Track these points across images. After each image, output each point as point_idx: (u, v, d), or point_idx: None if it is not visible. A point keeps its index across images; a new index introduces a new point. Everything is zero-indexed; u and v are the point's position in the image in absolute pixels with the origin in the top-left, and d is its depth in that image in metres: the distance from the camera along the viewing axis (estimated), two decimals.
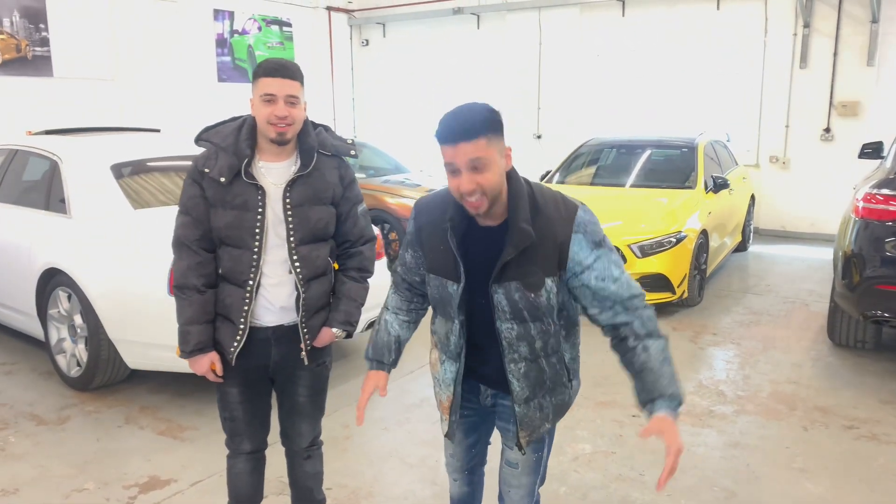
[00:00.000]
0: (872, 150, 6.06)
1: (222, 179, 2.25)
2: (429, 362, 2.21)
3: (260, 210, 2.28)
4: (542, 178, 7.71)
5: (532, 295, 1.85)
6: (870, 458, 3.55)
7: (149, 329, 3.95)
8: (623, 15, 10.16)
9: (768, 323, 5.74)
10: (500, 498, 2.23)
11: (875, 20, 8.43)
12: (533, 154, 10.51)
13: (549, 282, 1.86)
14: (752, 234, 8.76)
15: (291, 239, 2.31)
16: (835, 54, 8.77)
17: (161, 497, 3.23)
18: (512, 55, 11.10)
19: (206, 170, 2.27)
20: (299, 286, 2.34)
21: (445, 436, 2.15)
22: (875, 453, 3.60)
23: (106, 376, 4.28)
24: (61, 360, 4.46)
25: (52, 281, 4.37)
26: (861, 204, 4.53)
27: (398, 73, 12.50)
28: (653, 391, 1.85)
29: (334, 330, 2.47)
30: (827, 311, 5.18)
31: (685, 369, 4.74)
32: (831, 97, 8.88)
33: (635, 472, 3.42)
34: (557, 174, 7.62)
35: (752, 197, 8.68)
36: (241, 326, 2.33)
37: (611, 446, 3.70)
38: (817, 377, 4.61)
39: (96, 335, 4.11)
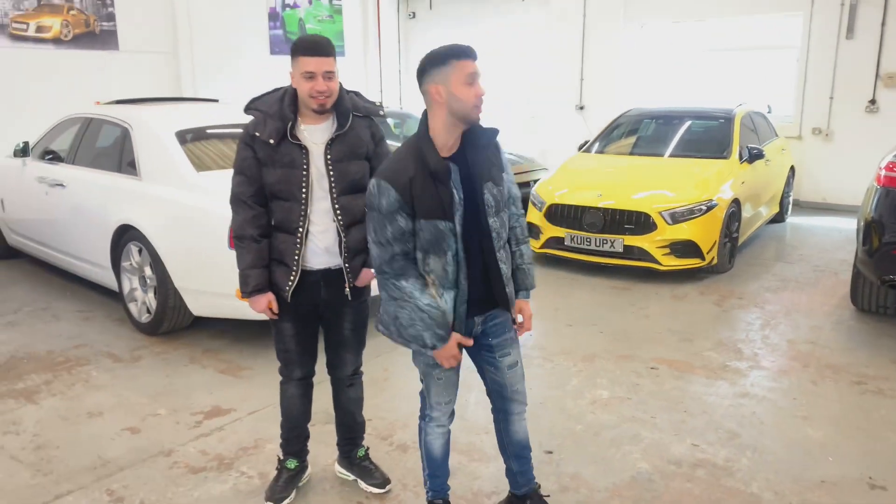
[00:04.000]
0: None
1: (271, 141, 2.62)
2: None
3: (305, 166, 2.65)
4: (580, 148, 7.94)
5: (498, 189, 2.35)
6: (871, 410, 3.78)
7: (210, 279, 4.41)
8: None
9: (795, 289, 5.92)
10: (511, 401, 2.61)
11: None
12: (575, 123, 10.68)
13: (504, 177, 2.41)
14: (790, 206, 8.81)
15: (333, 190, 2.68)
16: (882, 24, 8.67)
17: (223, 422, 3.68)
18: (556, 27, 11.22)
19: (257, 133, 2.64)
20: (341, 232, 2.71)
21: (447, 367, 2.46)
22: (878, 405, 3.83)
23: (173, 322, 4.77)
24: (133, 308, 4.98)
25: (124, 236, 4.86)
26: (883, 172, 4.67)
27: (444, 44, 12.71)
28: (521, 285, 2.53)
29: (373, 270, 2.83)
30: None
31: (706, 330, 5.00)
32: (878, 68, 8.80)
33: (647, 415, 3.73)
34: (596, 144, 7.83)
35: (792, 168, 8.72)
36: (294, 269, 2.71)
37: (627, 393, 4.01)
38: (835, 339, 4.81)
39: (164, 285, 4.59)
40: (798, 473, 3.17)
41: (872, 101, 8.90)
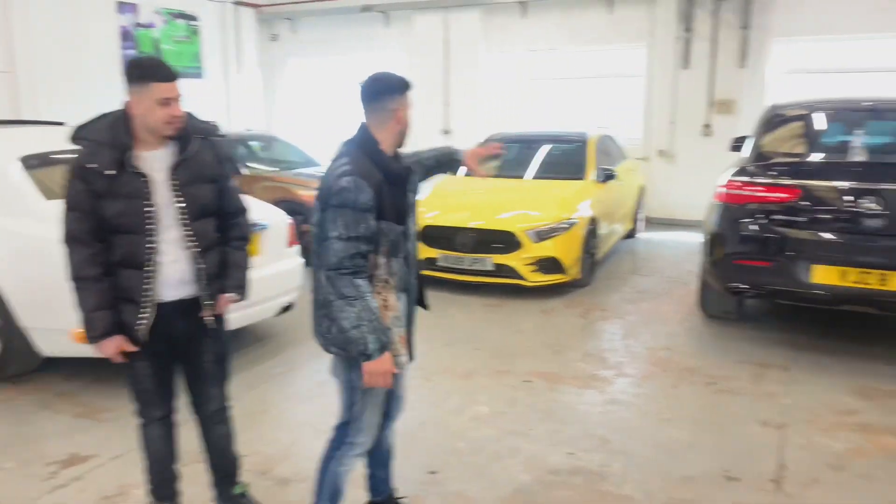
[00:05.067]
0: (740, 144, 6.75)
1: (109, 172, 2.44)
2: (384, 310, 2.39)
3: (148, 195, 2.50)
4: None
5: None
6: (724, 407, 4.12)
7: (61, 316, 4.05)
8: (523, 17, 10.70)
9: (650, 300, 6.35)
10: (390, 418, 2.69)
11: (746, 26, 9.29)
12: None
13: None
14: (642, 222, 9.47)
15: (184, 217, 2.56)
16: (713, 56, 9.60)
17: (82, 471, 3.40)
18: (419, 53, 11.47)
19: (91, 165, 2.44)
20: (197, 259, 2.60)
21: (400, 366, 2.48)
22: (729, 403, 4.18)
23: (19, 366, 4.35)
24: None
25: None
26: (723, 189, 5.14)
27: (308, 68, 12.64)
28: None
29: (230, 295, 2.75)
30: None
31: (574, 341, 5.25)
32: (710, 96, 9.71)
33: (525, 428, 3.85)
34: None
35: (642, 188, 9.40)
36: (145, 305, 2.54)
37: (505, 407, 4.12)
38: (688, 344, 5.21)
39: (8, 325, 4.19)
40: (664, 472, 3.38)
41: (707, 126, 9.79)
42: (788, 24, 9.21)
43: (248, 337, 5.09)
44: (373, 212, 2.30)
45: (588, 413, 4.05)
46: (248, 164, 8.55)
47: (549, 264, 6.35)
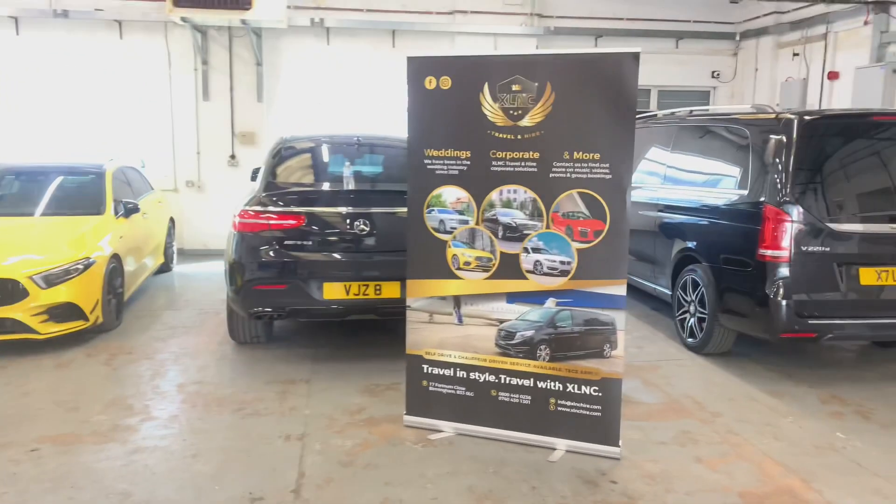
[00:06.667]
0: (256, 174, 7.10)
1: None
2: None
3: None
4: None
5: None
6: (251, 430, 4.25)
7: None
8: (18, 34, 9.46)
9: (183, 334, 6.22)
10: None
11: (259, 63, 9.85)
12: None
13: None
14: (175, 255, 9.23)
15: None
16: (231, 90, 9.91)
17: None
18: None
19: None
20: None
21: None
22: (256, 425, 4.33)
23: None
24: None
25: None
26: (237, 220, 5.32)
27: None
28: None
29: None
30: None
31: (95, 393, 4.81)
32: (233, 127, 10.01)
33: None
34: None
35: (172, 219, 9.16)
36: None
37: (5, 487, 3.53)
38: (219, 374, 5.24)
39: None
40: None
41: (233, 156, 10.07)
42: (295, 63, 10.06)
43: None
44: None
45: (108, 470, 3.73)
46: None
47: (64, 311, 5.70)
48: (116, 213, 6.88)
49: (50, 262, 5.73)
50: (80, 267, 5.84)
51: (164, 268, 8.72)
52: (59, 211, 6.79)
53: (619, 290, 3.85)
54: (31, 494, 3.46)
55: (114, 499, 3.43)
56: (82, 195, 7.04)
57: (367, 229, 5.26)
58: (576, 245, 3.88)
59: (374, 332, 6.18)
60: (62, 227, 6.41)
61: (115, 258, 6.42)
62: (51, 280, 5.64)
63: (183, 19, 9.01)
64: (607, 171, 3.77)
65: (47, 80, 9.68)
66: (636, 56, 3.67)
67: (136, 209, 7.16)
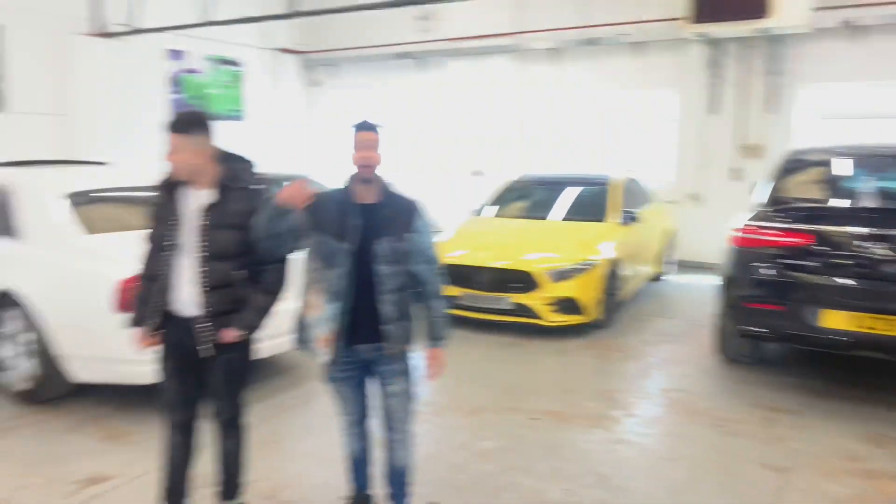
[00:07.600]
0: (755, 188, 6.78)
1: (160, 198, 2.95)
2: (304, 307, 2.92)
3: (177, 226, 2.88)
4: (475, 212, 8.32)
5: (398, 244, 2.84)
6: (729, 449, 4.13)
7: (94, 344, 4.33)
8: (554, 62, 10.97)
9: (671, 342, 6.37)
10: (389, 429, 3.02)
11: (773, 72, 9.36)
12: (471, 188, 11.15)
13: (411, 237, 2.88)
14: (671, 265, 9.46)
15: (203, 253, 2.86)
16: (738, 101, 9.67)
17: (101, 490, 3.60)
18: (452, 97, 11.80)
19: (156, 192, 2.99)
20: (205, 292, 2.86)
21: (327, 364, 2.92)
22: (735, 445, 4.19)
23: (53, 390, 4.62)
24: (10, 376, 4.78)
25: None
26: (738, 234, 5.20)
27: (349, 112, 13.07)
28: (431, 335, 3.07)
29: (231, 329, 2.93)
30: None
31: (587, 381, 5.30)
32: (737, 139, 9.75)
33: (527, 464, 3.92)
34: (488, 208, 8.22)
35: (671, 231, 9.42)
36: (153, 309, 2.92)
37: (510, 444, 4.20)
38: (701, 386, 5.22)
39: (44, 352, 4.47)
40: None
41: (735, 169, 9.82)
42: (817, 70, 9.25)
43: (271, 368, 5.29)
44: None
45: (592, 451, 4.10)
46: None
47: (567, 304, 6.43)
48: (619, 220, 7.42)
49: (560, 260, 6.53)
50: (585, 267, 6.50)
51: (658, 277, 9.02)
52: (570, 216, 7.67)
53: None
54: (529, 456, 4.03)
55: (594, 478, 3.76)
56: (591, 203, 7.79)
57: (890, 254, 4.54)
58: None
59: (880, 374, 5.31)
60: (572, 230, 7.23)
61: (614, 262, 6.94)
62: (560, 276, 6.43)
63: (698, 35, 9.16)
64: None
65: (577, 102, 10.98)
66: None
67: (635, 218, 7.60)
